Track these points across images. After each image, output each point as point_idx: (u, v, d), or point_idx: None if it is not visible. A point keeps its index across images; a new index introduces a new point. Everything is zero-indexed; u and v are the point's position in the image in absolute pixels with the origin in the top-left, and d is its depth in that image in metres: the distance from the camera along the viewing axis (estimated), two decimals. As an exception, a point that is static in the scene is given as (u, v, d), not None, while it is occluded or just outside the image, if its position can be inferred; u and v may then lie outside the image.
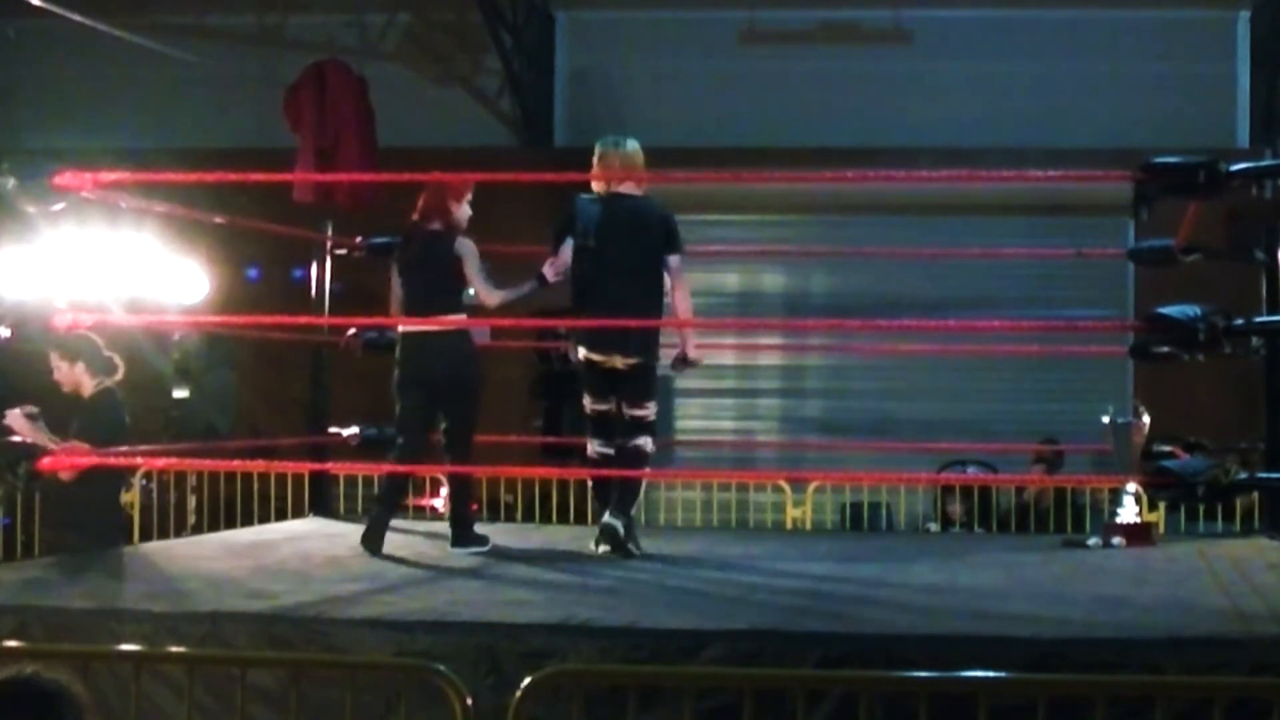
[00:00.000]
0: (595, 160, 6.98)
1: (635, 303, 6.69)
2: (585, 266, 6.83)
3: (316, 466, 8.32)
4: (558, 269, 6.91)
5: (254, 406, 9.28)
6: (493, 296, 6.94)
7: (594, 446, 6.96)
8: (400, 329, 7.06)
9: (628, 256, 6.81)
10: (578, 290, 6.91)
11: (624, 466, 6.80)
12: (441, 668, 3.51)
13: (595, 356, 6.79)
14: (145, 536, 9.03)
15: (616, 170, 6.91)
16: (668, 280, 6.89)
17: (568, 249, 6.90)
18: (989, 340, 10.47)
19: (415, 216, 7.09)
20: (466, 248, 6.96)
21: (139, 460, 8.01)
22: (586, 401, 6.95)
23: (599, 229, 6.84)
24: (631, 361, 6.75)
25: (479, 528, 7.14)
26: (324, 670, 4.12)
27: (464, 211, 7.10)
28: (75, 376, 7.34)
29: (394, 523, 8.13)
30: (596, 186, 7.00)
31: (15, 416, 7.15)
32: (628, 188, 6.96)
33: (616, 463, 6.82)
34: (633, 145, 7.01)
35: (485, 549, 6.90)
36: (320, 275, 8.45)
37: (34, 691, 2.77)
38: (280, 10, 13.80)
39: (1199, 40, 13.17)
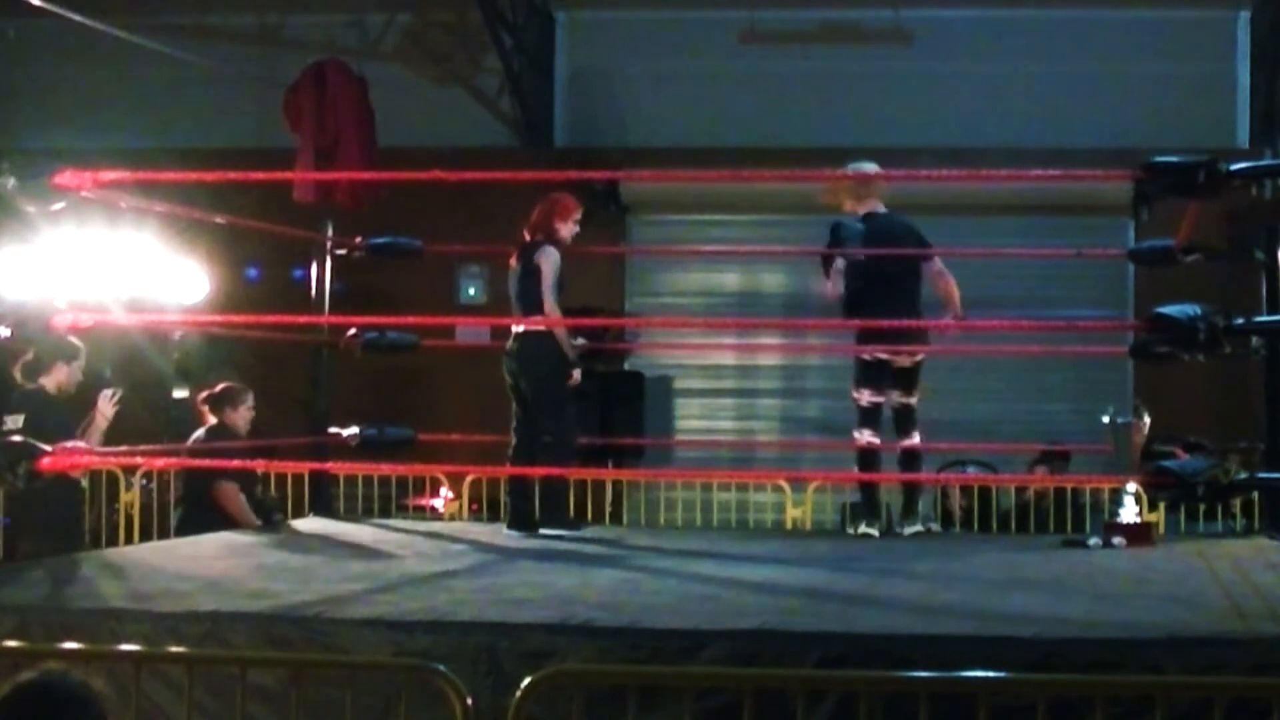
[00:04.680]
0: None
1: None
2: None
3: (316, 466, 8.32)
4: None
5: (254, 406, 9.27)
6: (548, 307, 7.46)
7: (869, 434, 7.88)
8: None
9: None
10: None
11: (912, 466, 8.04)
12: (441, 668, 3.51)
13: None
14: (145, 536, 9.03)
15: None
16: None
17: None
18: (989, 340, 10.47)
19: (525, 230, 7.67)
20: (545, 255, 7.48)
21: (139, 460, 8.02)
22: (867, 396, 7.85)
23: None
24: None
25: (481, 528, 7.18)
26: (324, 670, 4.13)
27: (569, 229, 7.67)
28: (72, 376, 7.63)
29: (394, 523, 8.19)
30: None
31: (105, 399, 7.71)
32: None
33: (905, 463, 8.01)
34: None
35: (572, 532, 7.39)
36: (320, 275, 8.44)
37: (58, 692, 2.77)
38: (280, 10, 13.80)
39: (1199, 40, 13.17)
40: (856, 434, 7.96)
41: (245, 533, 7.64)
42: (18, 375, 7.95)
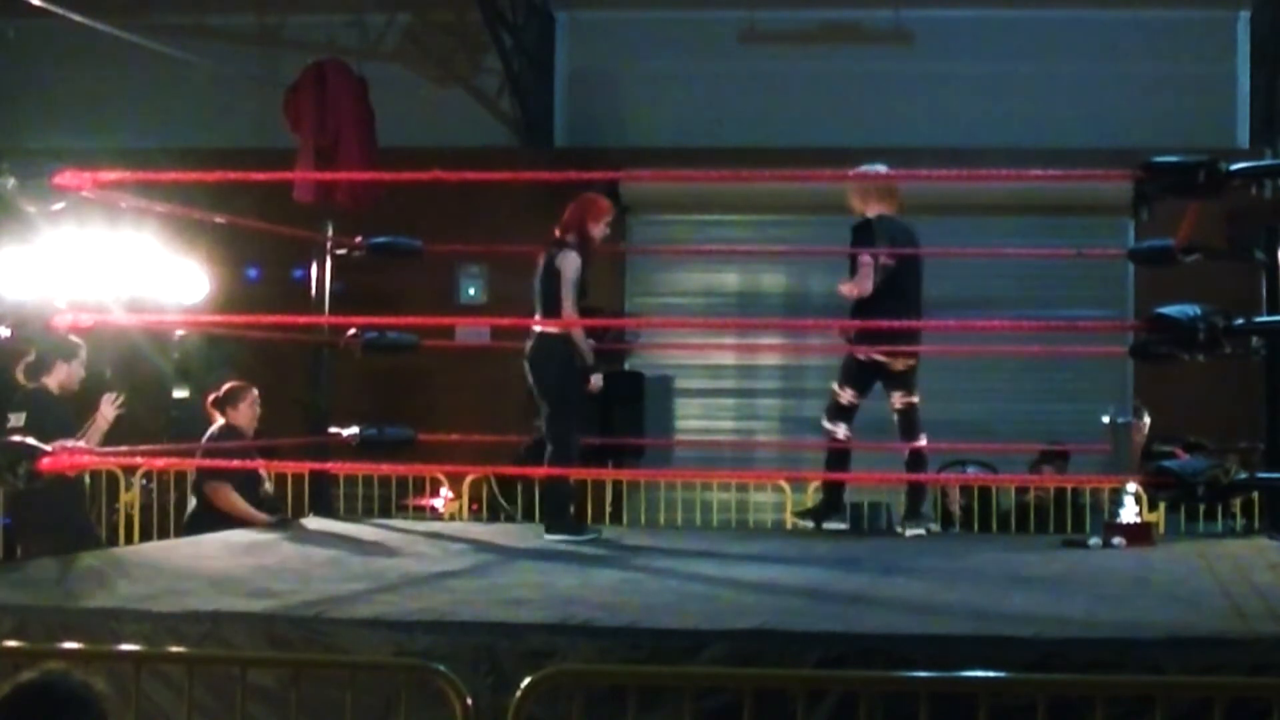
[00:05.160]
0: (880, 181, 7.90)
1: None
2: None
3: (316, 466, 8.31)
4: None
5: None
6: (565, 312, 7.40)
7: (844, 430, 7.93)
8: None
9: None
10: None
11: (918, 468, 8.11)
12: (441, 668, 3.51)
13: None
14: (145, 536, 9.03)
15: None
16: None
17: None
18: (989, 340, 10.46)
19: (556, 228, 7.62)
20: (566, 259, 7.41)
21: (139, 460, 8.02)
22: (849, 395, 7.88)
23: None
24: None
25: (481, 528, 7.17)
26: (324, 670, 4.13)
27: (600, 230, 7.63)
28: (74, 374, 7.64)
29: (394, 523, 8.19)
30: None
31: (107, 402, 7.72)
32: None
33: (911, 465, 8.06)
34: None
35: (581, 538, 7.26)
36: (320, 275, 8.44)
37: (59, 692, 2.76)
38: (280, 10, 13.80)
39: (1199, 40, 13.17)
40: (829, 425, 7.97)
41: (245, 533, 7.64)
42: (20, 375, 7.98)
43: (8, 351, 9.11)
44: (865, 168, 7.92)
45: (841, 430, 7.95)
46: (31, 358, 7.97)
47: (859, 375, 7.95)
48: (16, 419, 7.65)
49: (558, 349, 7.43)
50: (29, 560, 7.23)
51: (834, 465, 8.05)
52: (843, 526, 8.01)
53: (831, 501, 8.07)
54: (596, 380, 7.68)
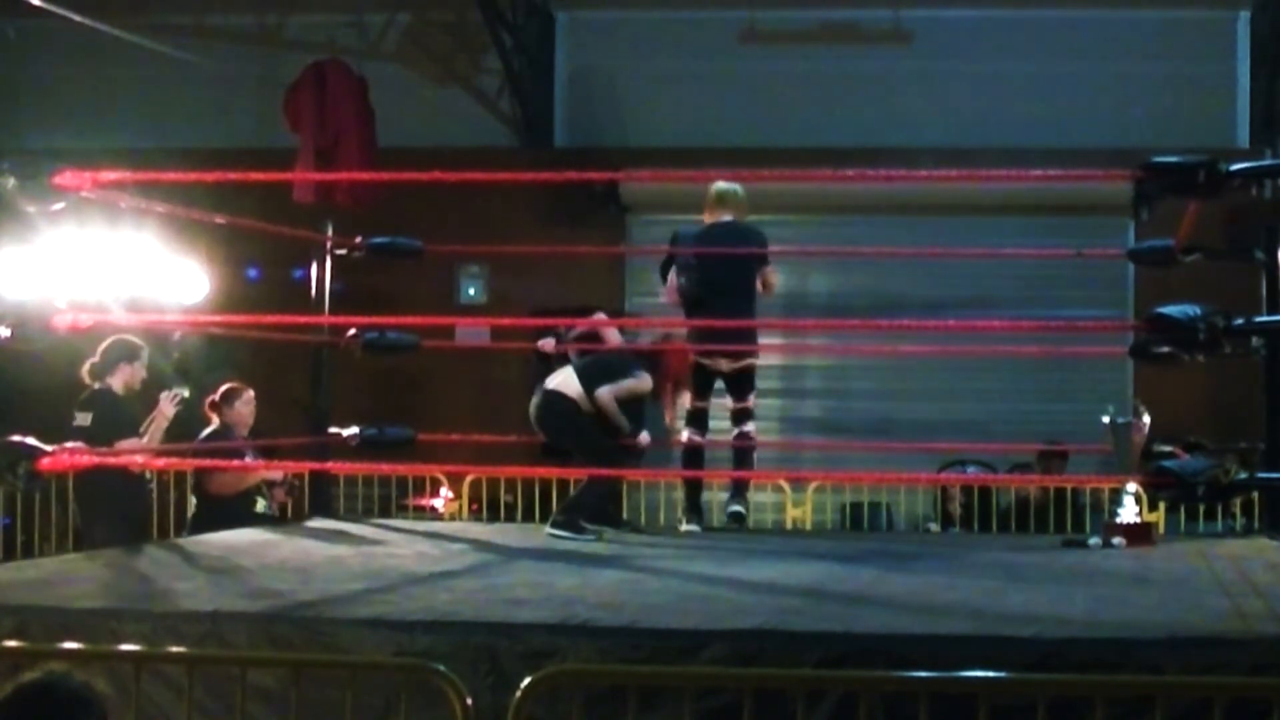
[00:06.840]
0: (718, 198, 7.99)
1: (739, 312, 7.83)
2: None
3: (316, 466, 8.31)
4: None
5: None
6: (608, 392, 7.68)
7: (690, 434, 8.06)
8: None
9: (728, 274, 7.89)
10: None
11: (743, 456, 8.12)
12: (441, 668, 3.51)
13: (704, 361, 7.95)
14: (145, 536, 9.02)
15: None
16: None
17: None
18: (989, 340, 10.47)
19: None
20: (622, 384, 7.71)
21: (139, 460, 8.04)
22: (690, 400, 8.02)
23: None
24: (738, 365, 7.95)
25: (481, 528, 7.19)
26: (324, 670, 4.12)
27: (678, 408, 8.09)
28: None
29: (394, 523, 8.23)
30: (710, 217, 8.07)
31: (166, 399, 8.02)
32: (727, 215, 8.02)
33: (737, 454, 8.11)
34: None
35: (580, 538, 7.35)
36: (320, 275, 8.44)
37: (60, 693, 2.77)
38: (280, 10, 13.80)
39: (1199, 40, 13.18)
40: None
41: (245, 532, 7.64)
42: (86, 376, 8.11)
43: (7, 351, 9.10)
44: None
45: (689, 434, 8.06)
46: (96, 359, 8.09)
47: (694, 379, 8.02)
48: (83, 418, 7.82)
49: (562, 404, 7.62)
50: (94, 549, 7.29)
51: (685, 466, 8.17)
52: (697, 529, 7.99)
53: (690, 503, 8.15)
54: (645, 437, 7.90)
